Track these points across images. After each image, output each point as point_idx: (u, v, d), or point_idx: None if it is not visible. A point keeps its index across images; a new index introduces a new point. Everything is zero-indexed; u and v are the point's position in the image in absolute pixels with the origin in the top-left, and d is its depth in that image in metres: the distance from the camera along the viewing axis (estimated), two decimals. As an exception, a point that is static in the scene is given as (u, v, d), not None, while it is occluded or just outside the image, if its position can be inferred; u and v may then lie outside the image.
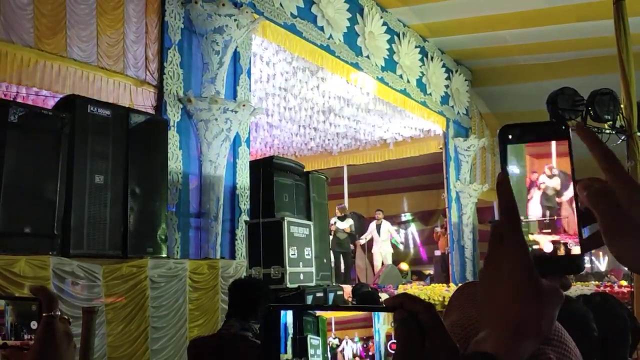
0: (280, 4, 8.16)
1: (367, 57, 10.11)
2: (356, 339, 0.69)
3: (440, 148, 13.02)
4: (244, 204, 7.13)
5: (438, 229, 14.72)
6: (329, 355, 0.68)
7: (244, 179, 7.17)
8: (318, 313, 0.68)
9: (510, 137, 0.72)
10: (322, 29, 9.00)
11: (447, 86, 12.79)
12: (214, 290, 5.09)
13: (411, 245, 18.99)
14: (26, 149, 4.19)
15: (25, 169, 4.18)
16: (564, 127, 0.71)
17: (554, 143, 0.72)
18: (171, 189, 6.05)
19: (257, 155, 12.34)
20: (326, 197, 7.84)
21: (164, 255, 5.01)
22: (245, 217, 7.00)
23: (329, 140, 13.74)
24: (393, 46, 10.93)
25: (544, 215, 0.74)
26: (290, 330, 0.66)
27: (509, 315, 0.63)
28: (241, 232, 6.93)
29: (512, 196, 0.67)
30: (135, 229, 4.73)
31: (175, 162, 6.31)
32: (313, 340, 0.66)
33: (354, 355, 0.68)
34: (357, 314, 0.71)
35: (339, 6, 9.39)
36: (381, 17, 10.56)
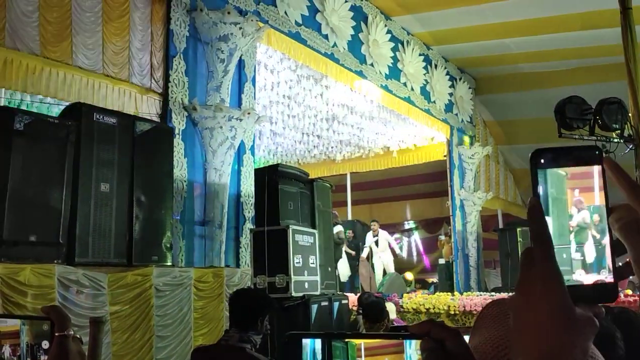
0: (285, 13, 8.17)
1: (371, 65, 10.12)
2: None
3: (444, 156, 13.00)
4: (249, 211, 7.11)
5: (442, 237, 14.67)
6: None
7: (248, 186, 7.15)
8: (348, 339, 0.66)
9: (542, 161, 0.71)
10: (326, 37, 9.01)
11: (451, 94, 12.78)
12: (218, 299, 5.06)
13: (414, 254, 18.95)
14: (32, 157, 4.17)
15: (30, 177, 4.16)
16: (597, 152, 0.70)
17: (594, 171, 0.70)
18: (176, 197, 6.04)
19: (261, 162, 12.34)
20: (330, 205, 7.82)
21: (169, 263, 4.99)
22: (249, 225, 6.98)
23: (332, 147, 13.74)
24: (397, 54, 10.93)
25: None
26: (319, 357, 0.64)
27: (542, 344, 0.61)
28: (246, 240, 6.91)
29: (544, 221, 0.65)
30: (140, 237, 4.71)
31: (180, 170, 6.30)
32: None
33: None
34: (387, 340, 0.68)
35: (344, 14, 9.41)
36: (385, 25, 10.57)
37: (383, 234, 13.06)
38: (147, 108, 6.41)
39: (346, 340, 0.65)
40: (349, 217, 14.50)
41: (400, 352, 0.65)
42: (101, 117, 4.66)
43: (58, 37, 5.67)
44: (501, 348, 0.75)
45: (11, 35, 5.30)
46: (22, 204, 4.07)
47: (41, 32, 5.53)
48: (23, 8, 5.38)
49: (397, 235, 18.66)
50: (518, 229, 12.26)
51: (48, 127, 4.34)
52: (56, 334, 0.90)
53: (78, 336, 0.96)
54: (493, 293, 10.39)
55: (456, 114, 13.02)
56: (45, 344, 0.93)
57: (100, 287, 4.17)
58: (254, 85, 7.61)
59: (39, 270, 3.91)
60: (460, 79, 13.22)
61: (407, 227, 19.33)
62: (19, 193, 4.06)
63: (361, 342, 0.66)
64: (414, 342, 0.65)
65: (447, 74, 12.69)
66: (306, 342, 0.65)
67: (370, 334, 0.76)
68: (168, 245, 4.99)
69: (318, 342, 0.64)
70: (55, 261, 4.11)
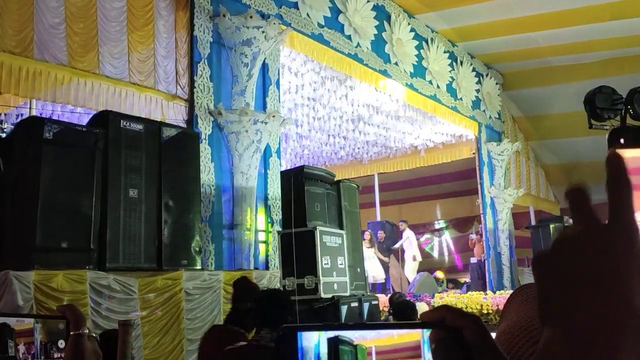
0: (307, 15, 8.18)
1: (396, 63, 10.06)
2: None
3: (473, 153, 12.83)
4: (276, 214, 7.12)
5: (473, 236, 14.48)
6: None
7: (275, 189, 7.17)
8: (356, 342, 0.58)
9: (622, 141, 0.63)
10: (349, 37, 8.99)
11: (478, 90, 12.62)
12: (248, 302, 5.07)
13: (446, 253, 18.74)
14: (61, 165, 4.26)
15: (60, 185, 4.24)
16: None
17: None
18: (204, 201, 6.09)
19: (287, 166, 12.37)
20: (358, 205, 7.78)
21: (198, 267, 5.02)
22: (277, 227, 7.00)
23: (358, 148, 13.68)
24: (422, 52, 10.84)
25: None
26: (324, 350, 0.56)
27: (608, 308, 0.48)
28: (274, 243, 6.92)
29: (624, 166, 0.54)
30: (169, 241, 4.76)
31: (207, 174, 6.35)
32: (344, 355, 0.56)
33: None
34: (402, 341, 0.59)
35: (366, 14, 9.37)
36: (409, 24, 10.50)
37: (408, 234, 13.02)
38: (174, 114, 6.48)
39: (355, 344, 0.57)
40: (378, 218, 14.42)
41: (418, 357, 0.57)
42: (128, 124, 4.72)
43: (85, 47, 5.78)
44: (529, 330, 0.70)
45: (39, 47, 5.42)
46: (53, 211, 4.15)
47: (68, 43, 5.65)
48: (50, 20, 5.50)
49: (427, 236, 18.51)
50: (551, 225, 12.03)
51: (76, 136, 4.42)
52: (71, 333, 0.90)
53: (94, 335, 0.96)
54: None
55: (484, 111, 12.85)
56: (61, 343, 0.93)
57: (131, 291, 4.23)
58: (278, 88, 7.64)
59: (71, 276, 3.98)
60: (487, 75, 13.04)
61: (437, 226, 19.13)
62: (49, 200, 4.14)
63: (372, 346, 0.59)
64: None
65: (474, 70, 12.53)
66: (309, 345, 0.57)
67: (376, 324, 0.64)
68: (197, 249, 5.03)
69: (324, 346, 0.56)
70: (87, 267, 4.18)
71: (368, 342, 0.57)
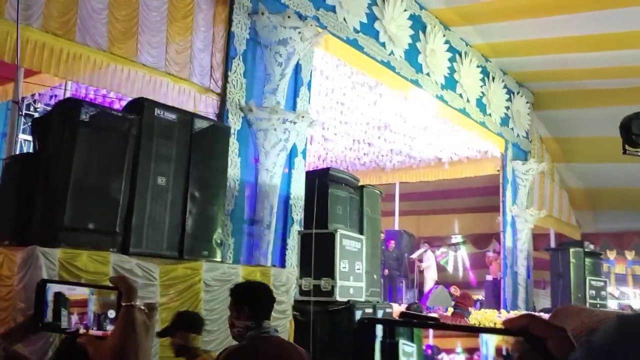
0: (344, 19, 8.21)
1: (427, 74, 10.04)
2: (459, 349, 0.58)
3: (498, 170, 12.73)
4: (297, 214, 7.15)
5: (490, 254, 14.36)
6: None
7: (298, 189, 7.20)
8: (426, 328, 0.58)
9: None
10: (383, 45, 9.00)
11: (507, 107, 12.53)
12: (264, 298, 5.09)
13: (460, 269, 18.60)
14: (95, 148, 4.33)
15: (92, 167, 4.31)
16: None
17: None
18: (228, 195, 6.13)
19: (310, 167, 12.39)
20: (379, 212, 7.78)
21: (218, 259, 5.06)
22: (297, 227, 7.02)
23: (382, 156, 13.67)
24: (454, 65, 10.81)
25: None
26: (379, 333, 0.57)
27: None
28: (292, 242, 6.95)
29: None
30: (192, 231, 4.81)
31: (233, 169, 6.40)
32: (406, 346, 0.56)
33: None
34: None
35: (402, 23, 9.37)
36: (444, 35, 10.48)
37: (430, 256, 13.18)
38: (205, 107, 6.55)
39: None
40: (396, 227, 14.37)
41: (475, 336, 0.57)
42: (162, 112, 4.78)
43: (125, 34, 5.88)
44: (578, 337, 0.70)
45: (81, 30, 5.53)
46: (83, 192, 4.22)
47: (109, 29, 5.75)
48: (94, 5, 5.61)
49: (443, 249, 18.40)
50: (571, 250, 11.88)
51: (112, 120, 4.48)
52: (123, 304, 0.93)
53: (143, 307, 0.98)
54: (542, 313, 10.08)
55: (512, 128, 12.75)
56: (111, 313, 0.95)
57: (152, 277, 4.28)
58: (309, 89, 7.67)
59: (95, 257, 4.04)
60: (518, 93, 12.95)
61: (454, 241, 19.01)
62: (80, 181, 4.21)
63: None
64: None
65: (505, 87, 12.45)
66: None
67: (457, 326, 0.61)
68: (218, 242, 5.07)
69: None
70: (111, 249, 4.24)
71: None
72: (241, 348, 2.80)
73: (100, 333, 0.94)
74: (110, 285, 0.96)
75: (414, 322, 0.58)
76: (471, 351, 0.57)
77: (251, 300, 2.81)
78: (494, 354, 0.55)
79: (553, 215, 14.29)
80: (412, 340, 0.57)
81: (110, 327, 0.94)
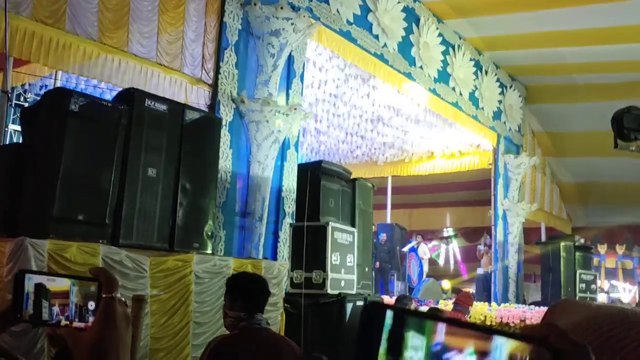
0: (337, 10, 8.16)
1: (421, 67, 10.02)
2: (469, 350, 0.54)
3: (490, 164, 12.76)
4: (289, 207, 7.13)
5: (481, 247, 14.43)
6: None
7: (290, 182, 7.18)
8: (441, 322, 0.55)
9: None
10: (377, 37, 8.96)
11: (500, 101, 12.54)
12: (255, 291, 5.08)
13: (452, 262, 18.69)
14: (84, 138, 4.28)
15: (82, 158, 4.26)
16: None
17: None
18: (219, 187, 6.10)
19: (303, 160, 12.36)
20: (371, 205, 7.77)
21: (209, 251, 5.04)
22: (289, 220, 7.00)
23: (375, 149, 13.67)
24: (447, 58, 10.79)
25: None
26: (389, 322, 0.55)
27: None
28: (284, 235, 6.93)
29: None
30: (183, 223, 4.78)
31: (224, 160, 6.37)
32: (415, 339, 0.54)
33: None
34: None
35: (395, 15, 9.34)
36: (437, 28, 10.45)
37: (424, 249, 13.18)
38: (196, 98, 6.50)
39: None
40: (388, 221, 14.40)
41: (488, 339, 0.54)
42: (152, 103, 4.74)
43: (116, 24, 5.81)
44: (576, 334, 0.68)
45: (71, 20, 5.46)
46: (73, 183, 4.17)
47: (100, 19, 5.68)
48: (84, -6, 5.54)
49: (435, 242, 18.47)
50: (561, 243, 11.94)
51: (101, 110, 4.43)
52: (103, 295, 0.90)
53: (124, 299, 0.96)
54: (532, 306, 10.14)
55: (504, 122, 12.77)
56: (91, 305, 0.93)
57: (142, 269, 4.25)
58: (302, 81, 7.64)
59: (84, 249, 4.00)
60: (510, 87, 12.96)
61: (445, 234, 19.09)
62: (70, 172, 4.16)
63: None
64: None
65: (498, 80, 12.45)
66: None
67: (471, 324, 0.56)
68: (209, 234, 5.04)
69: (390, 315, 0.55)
70: (101, 241, 4.20)
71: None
72: (232, 337, 2.80)
73: (82, 325, 0.92)
74: (91, 276, 0.94)
75: (427, 314, 0.55)
76: (482, 354, 0.53)
77: (246, 292, 2.81)
78: (506, 359, 0.52)
79: (544, 209, 14.36)
80: (421, 334, 0.54)
81: (92, 319, 0.92)
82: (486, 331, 0.54)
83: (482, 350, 0.53)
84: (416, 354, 0.54)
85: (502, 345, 0.53)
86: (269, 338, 2.84)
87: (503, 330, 0.53)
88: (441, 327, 0.54)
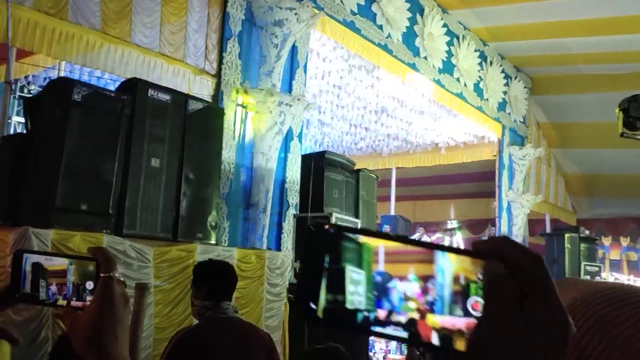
0: (341, 1, 8.12)
1: (425, 58, 9.96)
2: (411, 276, 0.52)
3: (494, 155, 12.71)
4: (293, 198, 7.12)
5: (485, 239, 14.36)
6: (374, 295, 0.51)
7: (294, 173, 7.16)
8: (362, 239, 0.52)
9: None
10: (381, 27, 8.91)
11: (505, 92, 12.47)
12: (259, 280, 5.09)
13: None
14: (87, 128, 4.28)
15: (84, 148, 4.26)
16: None
17: None
18: (223, 178, 6.09)
19: (306, 151, 12.33)
20: (375, 196, 7.76)
21: (213, 242, 5.04)
22: (293, 211, 6.99)
23: (379, 141, 13.62)
24: (452, 48, 10.73)
25: None
26: (326, 258, 0.52)
27: None
28: (288, 226, 6.92)
29: None
30: (186, 213, 4.78)
31: (228, 151, 6.35)
32: (354, 273, 0.52)
33: (407, 298, 0.52)
34: (415, 244, 0.53)
35: (400, 5, 9.28)
36: (442, 19, 10.38)
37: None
38: (200, 89, 6.48)
39: (360, 242, 0.52)
40: (392, 213, 14.37)
41: (429, 262, 0.52)
42: (155, 93, 4.73)
43: (119, 14, 5.79)
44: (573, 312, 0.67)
45: (74, 10, 5.44)
46: (76, 173, 4.18)
47: (102, 9, 5.66)
48: (87, -16, 5.51)
49: (438, 235, 18.43)
50: (566, 235, 11.91)
51: (104, 100, 4.43)
52: (101, 275, 0.89)
53: (122, 279, 0.94)
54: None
55: (509, 114, 12.70)
56: (89, 284, 0.92)
57: (146, 259, 4.25)
58: (305, 72, 7.60)
59: (88, 239, 4.00)
60: (515, 78, 12.88)
61: (449, 226, 19.05)
62: (73, 162, 4.16)
63: (379, 245, 0.52)
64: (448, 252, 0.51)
65: (503, 71, 12.38)
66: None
67: (424, 243, 0.51)
68: (213, 224, 5.04)
69: (324, 239, 0.52)
70: (104, 231, 4.21)
71: (375, 240, 0.52)
72: (194, 330, 2.74)
73: (80, 304, 0.91)
74: (89, 255, 0.93)
75: (366, 230, 0.53)
76: (425, 279, 0.52)
77: (210, 279, 2.73)
78: (450, 282, 0.51)
79: (549, 201, 14.31)
80: (360, 267, 0.52)
81: (90, 298, 0.90)
82: (431, 247, 0.52)
83: (425, 274, 0.52)
84: (357, 288, 0.52)
85: (446, 268, 0.51)
86: (235, 328, 2.75)
87: (450, 246, 0.52)
88: (382, 254, 0.52)
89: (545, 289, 0.49)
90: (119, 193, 4.37)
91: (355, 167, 7.48)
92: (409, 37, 9.59)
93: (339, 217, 6.31)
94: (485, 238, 0.52)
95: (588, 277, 11.75)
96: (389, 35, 9.07)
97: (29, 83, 9.65)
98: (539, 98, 13.52)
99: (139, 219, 4.46)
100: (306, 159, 7.05)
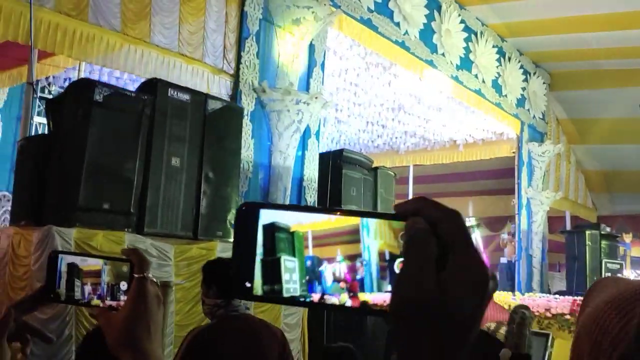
0: (358, -2, 8.11)
1: (443, 54, 9.91)
2: (339, 257, 0.54)
3: (513, 152, 12.60)
4: (310, 196, 7.13)
5: (505, 236, 14.28)
6: (307, 280, 0.54)
7: (311, 171, 7.17)
8: (293, 228, 0.54)
9: None
10: (398, 24, 8.88)
11: (523, 88, 12.35)
12: (278, 279, 5.10)
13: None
14: (109, 128, 4.33)
15: (106, 147, 4.32)
16: None
17: None
18: (241, 177, 6.13)
19: (323, 150, 12.32)
20: (393, 193, 7.75)
21: (232, 240, 5.07)
22: (311, 209, 6.99)
23: (396, 138, 13.57)
24: (470, 45, 10.65)
25: None
26: (260, 250, 0.54)
27: None
28: (306, 224, 6.93)
29: None
30: (206, 212, 4.82)
31: (246, 150, 6.38)
32: (288, 262, 0.54)
33: (337, 279, 0.54)
34: (339, 225, 0.54)
35: (417, 2, 9.24)
36: (459, 15, 10.31)
37: None
38: (218, 88, 6.52)
39: (292, 230, 0.55)
40: (410, 210, 14.30)
41: (356, 242, 0.54)
42: (175, 93, 4.77)
43: (138, 15, 5.84)
44: (616, 306, 0.67)
45: (94, 11, 5.50)
46: (98, 172, 4.23)
47: (122, 10, 5.72)
48: (107, -15, 5.57)
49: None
50: (587, 232, 11.77)
51: (125, 100, 4.48)
52: (135, 275, 0.91)
53: (155, 280, 0.96)
54: (557, 296, 10.03)
55: (528, 110, 12.58)
56: (123, 285, 0.94)
57: (167, 257, 4.29)
58: (322, 70, 7.61)
59: (110, 237, 4.06)
60: (534, 74, 12.75)
61: (468, 224, 18.87)
62: (95, 162, 4.22)
63: (308, 231, 0.55)
64: (373, 227, 0.53)
65: (521, 67, 12.27)
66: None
67: (347, 210, 0.56)
68: (232, 222, 5.07)
69: (259, 233, 0.55)
70: (126, 229, 4.26)
71: (304, 226, 0.55)
72: (207, 329, 2.75)
73: (114, 303, 0.93)
74: (122, 257, 0.95)
75: (298, 206, 0.57)
76: (352, 258, 0.54)
77: (220, 277, 2.72)
78: (377, 258, 0.53)
79: (569, 198, 14.15)
80: (293, 255, 0.54)
81: (124, 298, 0.92)
82: (349, 214, 0.54)
83: (353, 254, 0.54)
84: (291, 275, 0.54)
85: (371, 245, 0.53)
86: (246, 326, 2.75)
87: (371, 211, 0.54)
88: (310, 238, 0.55)
89: (463, 243, 0.50)
90: (140, 192, 4.42)
91: (373, 165, 7.47)
92: (427, 33, 9.54)
93: (358, 215, 6.31)
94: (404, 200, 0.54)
95: (609, 275, 11.61)
96: (406, 32, 9.03)
97: (49, 84, 9.79)
98: (558, 94, 13.37)
99: (159, 217, 4.51)
100: (324, 157, 7.06)
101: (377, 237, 0.53)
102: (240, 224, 0.56)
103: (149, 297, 0.91)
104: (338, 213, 0.55)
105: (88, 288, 0.95)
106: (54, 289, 0.94)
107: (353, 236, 0.54)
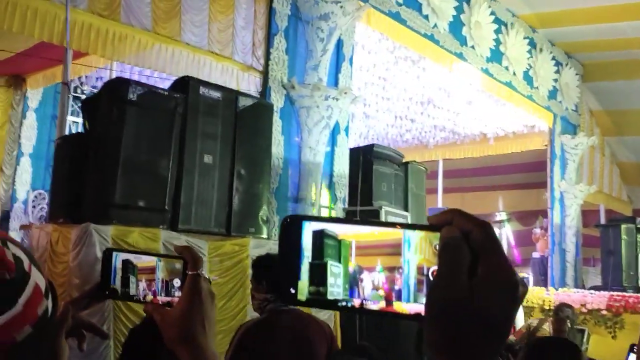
0: (386, -8, 8.04)
1: (472, 47, 9.77)
2: (379, 268, 0.58)
3: (545, 145, 12.37)
4: (340, 191, 7.12)
5: (537, 231, 14.05)
6: (349, 286, 0.58)
7: (341, 167, 7.16)
8: (340, 236, 0.58)
9: None
10: (427, 17, 8.79)
11: (555, 80, 12.11)
12: (311, 274, 5.12)
13: (504, 246, 18.30)
14: (143, 126, 4.39)
15: (141, 146, 4.38)
16: None
17: None
18: (272, 173, 6.15)
19: (352, 145, 12.30)
20: (424, 188, 7.69)
21: (264, 236, 5.10)
22: (340, 204, 7.00)
23: (425, 132, 13.46)
24: (500, 36, 10.49)
25: None
26: (308, 254, 0.58)
27: None
28: (336, 220, 6.92)
29: None
30: (239, 209, 4.85)
31: (277, 147, 6.40)
32: (334, 267, 0.58)
33: (375, 287, 0.58)
34: (382, 238, 0.58)
35: (446, -6, 9.13)
36: (489, 7, 10.15)
37: None
38: (248, 85, 6.55)
39: (339, 238, 0.59)
40: (439, 205, 14.20)
41: (397, 254, 0.57)
42: (207, 91, 4.81)
43: (168, 14, 5.91)
44: None
45: (126, 11, 5.58)
46: (132, 170, 4.30)
47: (153, 9, 5.79)
48: (137, -15, 5.64)
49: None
50: (622, 226, 11.50)
51: (158, 99, 4.53)
52: (189, 272, 0.92)
53: (208, 276, 0.97)
54: (592, 291, 9.84)
55: (560, 102, 12.34)
56: (176, 282, 0.95)
57: (201, 254, 4.33)
58: (351, 65, 7.58)
59: (146, 234, 4.12)
60: (566, 65, 12.49)
61: (498, 218, 18.68)
62: (129, 160, 4.28)
63: (352, 240, 0.59)
64: (414, 243, 0.56)
65: (553, 58, 12.03)
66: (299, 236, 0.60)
67: (384, 222, 0.61)
68: (264, 219, 5.10)
69: (309, 238, 0.59)
70: (161, 226, 4.31)
71: (349, 236, 0.59)
72: (258, 323, 2.78)
73: (168, 299, 0.94)
74: (176, 254, 0.96)
75: (340, 219, 0.61)
76: (392, 269, 0.58)
77: (270, 273, 2.77)
78: (415, 272, 0.56)
79: (603, 191, 13.84)
80: (339, 261, 0.58)
81: (177, 294, 0.93)
82: (388, 226, 0.58)
83: (393, 266, 0.58)
84: (336, 280, 0.58)
85: (412, 259, 0.57)
86: (297, 319, 2.80)
87: (407, 223, 0.58)
88: (354, 249, 0.59)
89: (493, 250, 0.53)
90: (174, 189, 4.48)
91: (403, 160, 7.43)
92: (456, 26, 9.42)
93: (388, 210, 6.28)
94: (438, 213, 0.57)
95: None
96: (435, 25, 8.93)
97: (82, 83, 9.96)
98: (591, 85, 13.07)
99: (193, 214, 4.56)
100: (354, 153, 7.04)
101: (417, 252, 0.57)
102: (284, 235, 0.60)
103: (203, 294, 0.92)
104: (375, 225, 0.60)
105: (143, 284, 0.96)
106: (109, 286, 0.96)
107: (394, 249, 0.57)
